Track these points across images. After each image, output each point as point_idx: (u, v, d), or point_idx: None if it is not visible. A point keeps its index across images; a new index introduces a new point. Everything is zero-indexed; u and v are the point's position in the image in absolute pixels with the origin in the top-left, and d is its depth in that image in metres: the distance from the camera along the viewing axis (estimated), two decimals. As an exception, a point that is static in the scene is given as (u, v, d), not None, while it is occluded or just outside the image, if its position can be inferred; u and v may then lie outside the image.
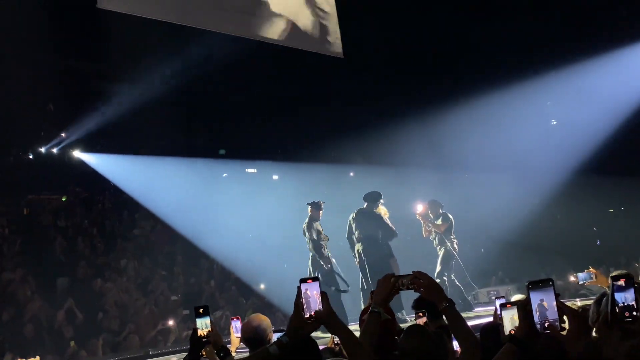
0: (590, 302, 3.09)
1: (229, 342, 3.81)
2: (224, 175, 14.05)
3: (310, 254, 9.25)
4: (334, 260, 9.31)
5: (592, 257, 13.37)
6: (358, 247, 9.26)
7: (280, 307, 11.09)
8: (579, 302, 6.84)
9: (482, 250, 13.36)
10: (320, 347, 3.74)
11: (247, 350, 3.63)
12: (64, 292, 10.14)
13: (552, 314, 1.87)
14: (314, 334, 2.41)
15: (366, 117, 13.98)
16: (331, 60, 11.16)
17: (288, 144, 13.95)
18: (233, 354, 3.44)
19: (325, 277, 8.87)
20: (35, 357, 3.66)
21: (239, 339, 3.82)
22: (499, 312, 2.77)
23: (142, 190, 12.28)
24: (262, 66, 12.37)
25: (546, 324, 1.85)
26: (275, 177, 14.76)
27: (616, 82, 12.74)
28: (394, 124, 13.67)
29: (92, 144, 12.86)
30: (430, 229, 9.56)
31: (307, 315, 2.22)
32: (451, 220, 9.56)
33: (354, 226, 9.40)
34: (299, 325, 2.21)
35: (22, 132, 12.46)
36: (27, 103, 11.58)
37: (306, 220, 9.42)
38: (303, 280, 2.26)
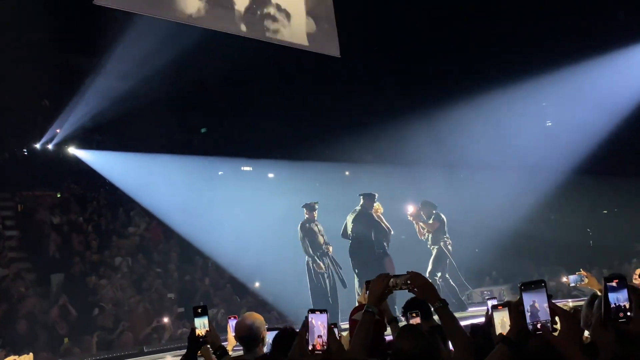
0: (582, 303, 3.12)
1: (226, 341, 3.83)
2: (220, 173, 14.04)
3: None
4: (331, 260, 9.35)
5: (585, 259, 13.47)
6: (349, 246, 9.37)
7: (275, 306, 11.12)
8: (570, 303, 6.90)
9: (477, 250, 13.41)
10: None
11: (242, 350, 3.66)
12: (58, 288, 10.13)
13: (544, 315, 1.89)
14: None
15: (363, 116, 14.01)
16: (328, 59, 11.17)
17: (284, 142, 13.95)
18: (230, 352, 3.46)
19: (318, 281, 8.95)
20: (28, 354, 3.64)
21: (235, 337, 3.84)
22: (490, 313, 2.80)
23: (138, 188, 12.26)
24: (259, 64, 12.38)
25: (538, 325, 1.88)
26: (270, 175, 14.76)
27: (611, 84, 12.81)
28: (390, 123, 13.68)
29: (88, 141, 12.84)
30: (424, 229, 9.61)
31: (310, 347, 2.22)
32: (443, 220, 9.60)
33: (349, 227, 9.46)
34: (299, 356, 2.22)
35: (17, 128, 12.43)
36: (23, 98, 11.55)
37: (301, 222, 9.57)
38: (312, 311, 2.28)
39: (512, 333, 1.97)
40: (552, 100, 13.71)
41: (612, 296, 1.72)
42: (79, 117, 11.85)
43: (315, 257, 9.42)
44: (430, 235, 9.60)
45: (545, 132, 14.51)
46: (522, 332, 1.91)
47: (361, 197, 9.66)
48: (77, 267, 10.70)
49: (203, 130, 14.13)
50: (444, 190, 13.25)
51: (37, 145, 12.74)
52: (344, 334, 3.73)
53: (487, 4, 12.51)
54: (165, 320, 9.80)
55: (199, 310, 2.86)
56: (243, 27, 9.74)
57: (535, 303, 1.91)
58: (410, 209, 9.72)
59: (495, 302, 3.49)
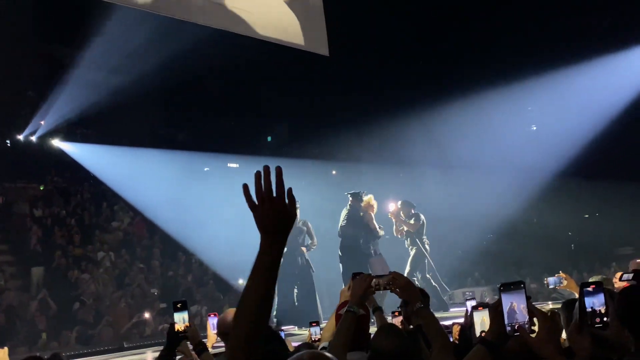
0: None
1: (206, 337, 3.81)
2: (206, 169, 13.97)
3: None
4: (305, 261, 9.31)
5: (567, 261, 13.64)
6: (339, 246, 9.39)
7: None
8: (550, 305, 6.97)
9: (460, 251, 13.50)
10: (298, 343, 3.77)
11: (224, 346, 3.64)
12: (39, 282, 10.01)
13: (523, 316, 1.90)
14: (293, 329, 2.43)
15: (350, 114, 14.02)
16: (316, 57, 11.15)
17: (272, 139, 13.93)
18: (210, 349, 3.44)
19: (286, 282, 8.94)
20: (2, 349, 3.57)
21: (215, 335, 3.82)
22: (469, 313, 2.82)
23: (122, 182, 12.15)
24: (247, 61, 12.33)
25: (516, 326, 1.89)
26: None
27: (595, 90, 12.98)
28: (379, 121, 13.71)
29: (72, 134, 12.70)
30: (402, 228, 9.59)
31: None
32: (423, 220, 9.62)
33: (339, 226, 9.47)
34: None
35: (0, 119, 12.24)
36: (6, 89, 11.37)
37: None
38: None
39: (491, 334, 1.98)
40: (538, 104, 13.84)
41: (588, 301, 1.73)
42: (64, 109, 11.70)
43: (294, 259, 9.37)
44: (408, 236, 9.57)
45: (531, 136, 14.65)
46: (500, 333, 1.93)
47: (349, 196, 9.66)
48: (59, 261, 10.58)
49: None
50: (429, 189, 13.31)
51: (21, 137, 12.57)
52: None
53: (480, 10, 12.59)
54: (147, 315, 9.73)
55: (179, 305, 2.84)
56: (231, 23, 9.67)
57: (514, 304, 1.92)
58: (392, 206, 9.70)
59: (474, 302, 3.53)
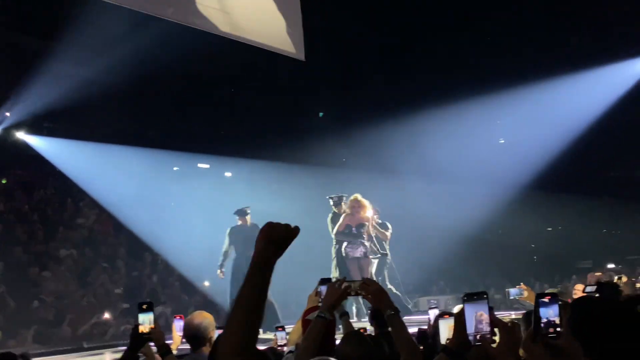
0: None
1: (171, 340, 3.77)
2: (175, 168, 13.79)
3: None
4: None
5: (529, 273, 13.95)
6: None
7: (224, 306, 10.99)
8: (513, 315, 7.13)
9: (425, 259, 13.67)
10: (264, 347, 3.76)
11: (189, 348, 3.61)
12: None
13: (485, 326, 1.95)
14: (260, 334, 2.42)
15: (322, 119, 14.07)
16: (290, 60, 11.15)
17: (244, 141, 13.82)
18: (174, 352, 3.41)
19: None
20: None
21: (180, 337, 3.78)
22: (432, 322, 2.86)
23: (89, 178, 11.90)
24: (222, 60, 12.24)
25: (478, 336, 1.93)
26: (228, 174, 14.60)
27: (562, 107, 13.34)
28: (348, 127, 13.75)
29: (38, 127, 12.35)
30: (374, 233, 9.53)
31: None
32: (389, 228, 9.67)
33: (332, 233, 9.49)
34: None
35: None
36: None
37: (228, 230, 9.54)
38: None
39: (453, 343, 2.02)
40: (507, 118, 14.11)
41: (543, 311, 1.79)
42: (30, 101, 11.40)
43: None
44: (370, 244, 9.52)
45: (499, 149, 14.93)
46: (462, 342, 1.96)
47: (331, 198, 9.69)
48: (19, 257, 10.30)
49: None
50: (402, 196, 13.39)
51: (-16, 128, 12.19)
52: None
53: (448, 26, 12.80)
54: (107, 316, 9.54)
55: (145, 307, 2.77)
56: (207, 22, 9.58)
57: (477, 314, 1.96)
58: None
59: (437, 311, 3.59)
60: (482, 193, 13.92)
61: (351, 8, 12.21)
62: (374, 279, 8.07)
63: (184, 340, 3.73)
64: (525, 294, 4.26)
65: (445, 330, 2.55)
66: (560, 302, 1.78)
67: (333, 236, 9.44)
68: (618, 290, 3.96)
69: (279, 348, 3.86)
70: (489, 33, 12.79)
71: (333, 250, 9.47)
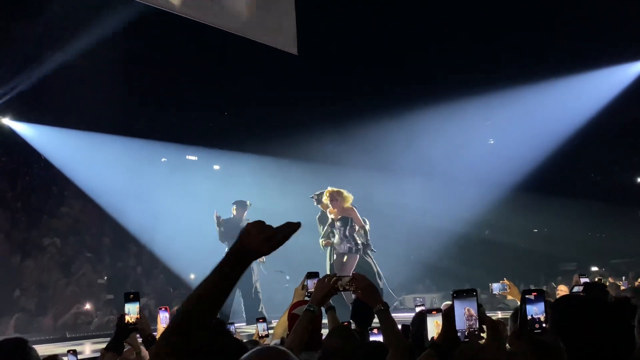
0: (509, 314, 3.25)
1: (156, 331, 3.73)
2: (163, 159, 13.68)
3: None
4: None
5: (515, 273, 14.04)
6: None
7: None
8: (499, 315, 7.16)
9: (412, 257, 13.71)
10: (245, 340, 3.72)
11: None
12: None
13: (474, 323, 1.94)
14: (242, 327, 2.40)
15: (314, 115, 14.00)
16: (283, 55, 11.09)
17: (233, 134, 13.74)
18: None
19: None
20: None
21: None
22: (421, 317, 2.85)
23: (75, 167, 11.76)
24: (211, 53, 12.15)
25: (466, 333, 1.92)
26: (216, 167, 14.52)
27: (551, 110, 13.44)
28: (340, 124, 13.71)
29: (24, 113, 12.17)
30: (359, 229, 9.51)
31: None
32: (368, 224, 9.65)
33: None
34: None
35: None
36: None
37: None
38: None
39: (441, 339, 2.00)
40: (496, 119, 14.17)
41: (529, 308, 1.79)
42: (17, 87, 11.23)
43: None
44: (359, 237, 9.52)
45: (488, 149, 15.00)
46: (450, 338, 1.95)
47: (312, 198, 9.65)
48: (1, 246, 10.15)
49: None
50: (385, 194, 13.39)
51: (-33, 113, 11.99)
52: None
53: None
54: (87, 306, 9.45)
55: (131, 297, 2.76)
56: (200, 13, 9.49)
57: (466, 311, 1.95)
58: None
59: (423, 308, 3.59)
60: (470, 192, 13.98)
61: (348, 5, 12.20)
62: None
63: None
64: (509, 289, 4.25)
65: (433, 327, 2.53)
66: (546, 299, 1.78)
67: (321, 232, 9.44)
68: (605, 291, 3.97)
69: (260, 340, 3.83)
70: (482, 35, 12.84)
71: (321, 244, 9.48)
